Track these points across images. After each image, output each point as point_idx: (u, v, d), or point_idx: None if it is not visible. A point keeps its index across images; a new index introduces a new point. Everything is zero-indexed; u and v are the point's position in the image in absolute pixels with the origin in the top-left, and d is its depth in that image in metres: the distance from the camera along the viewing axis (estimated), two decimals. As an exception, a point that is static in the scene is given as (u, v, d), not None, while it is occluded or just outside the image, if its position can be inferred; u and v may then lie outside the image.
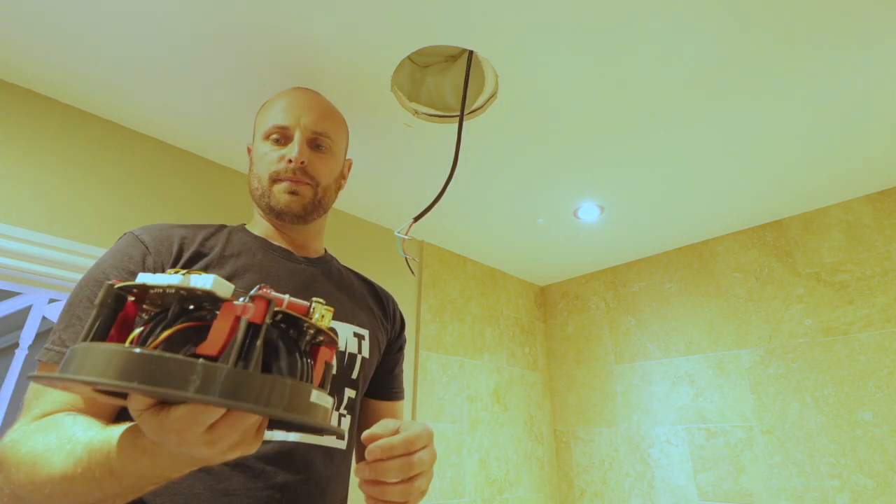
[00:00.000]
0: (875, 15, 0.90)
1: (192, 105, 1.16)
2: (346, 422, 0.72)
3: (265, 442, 0.60)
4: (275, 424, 0.40)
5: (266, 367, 0.33)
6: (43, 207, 1.08)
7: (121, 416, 0.57)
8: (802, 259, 1.63)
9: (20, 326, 3.90)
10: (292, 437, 0.62)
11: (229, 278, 0.67)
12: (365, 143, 1.29)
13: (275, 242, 0.77)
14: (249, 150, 0.82)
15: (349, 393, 0.73)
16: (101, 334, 0.33)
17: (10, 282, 1.06)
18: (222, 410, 0.32)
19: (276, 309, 0.33)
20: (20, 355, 2.89)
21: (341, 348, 0.73)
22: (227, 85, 1.09)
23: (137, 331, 0.34)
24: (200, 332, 0.32)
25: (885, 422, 1.35)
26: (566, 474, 2.05)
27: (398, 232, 0.97)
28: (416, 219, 0.98)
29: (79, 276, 1.08)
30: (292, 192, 0.74)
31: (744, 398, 1.63)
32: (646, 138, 1.26)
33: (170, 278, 0.32)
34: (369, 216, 1.73)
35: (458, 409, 1.78)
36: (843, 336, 1.48)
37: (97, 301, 0.33)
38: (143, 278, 0.33)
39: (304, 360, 0.36)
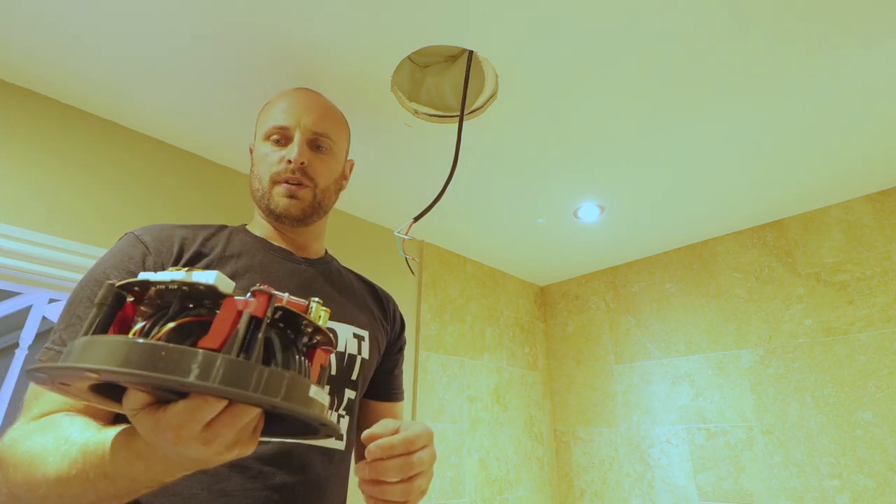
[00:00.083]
0: (875, 15, 0.90)
1: (192, 105, 1.16)
2: (345, 422, 0.72)
3: (264, 442, 0.60)
4: (271, 431, 0.40)
5: (265, 364, 0.33)
6: (43, 207, 1.08)
7: (119, 417, 0.56)
8: (802, 259, 1.63)
9: (20, 326, 3.91)
10: None
11: (230, 278, 0.67)
12: (365, 144, 1.29)
13: (275, 243, 0.77)
14: (251, 151, 0.82)
15: (349, 394, 0.73)
16: (100, 332, 0.33)
17: (10, 282, 1.06)
18: (220, 406, 0.32)
19: (277, 305, 0.34)
20: (20, 355, 2.89)
21: (341, 349, 0.73)
22: (227, 85, 1.09)
23: (139, 325, 0.34)
24: (202, 328, 0.32)
25: (885, 422, 1.35)
26: (566, 474, 2.05)
27: (398, 232, 0.97)
28: (416, 219, 0.98)
29: (79, 276, 1.08)
30: (291, 196, 0.74)
31: (744, 398, 1.63)
32: (646, 138, 1.26)
33: (172, 274, 0.32)
34: (369, 216, 1.73)
35: (458, 409, 1.78)
36: (843, 336, 1.48)
37: (97, 300, 0.33)
38: (146, 276, 0.33)
39: (302, 359, 0.36)
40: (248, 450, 0.36)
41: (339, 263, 0.88)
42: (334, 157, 0.81)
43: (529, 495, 1.92)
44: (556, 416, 2.18)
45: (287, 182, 0.75)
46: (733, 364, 1.69)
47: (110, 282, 0.34)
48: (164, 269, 0.64)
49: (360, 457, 0.80)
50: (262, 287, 0.33)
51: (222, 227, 0.76)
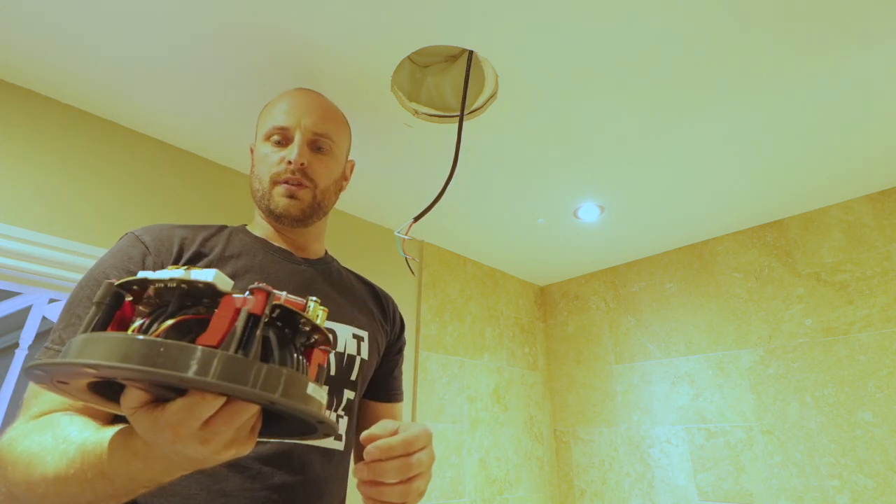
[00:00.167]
0: (875, 15, 0.90)
1: (192, 105, 1.16)
2: (344, 423, 0.72)
3: (263, 442, 0.60)
4: (269, 431, 0.40)
5: (263, 361, 0.33)
6: (43, 207, 1.08)
7: (117, 418, 0.56)
8: (802, 259, 1.63)
9: (20, 326, 3.91)
10: None
11: (229, 278, 0.67)
12: (365, 144, 1.29)
13: (275, 244, 0.77)
14: (252, 151, 0.82)
15: (348, 394, 0.73)
16: (99, 331, 0.33)
17: (10, 282, 1.06)
18: (218, 403, 0.32)
19: (275, 303, 0.34)
20: (20, 355, 2.89)
21: (340, 349, 0.73)
22: (227, 85, 1.09)
23: (137, 323, 0.34)
24: (200, 325, 0.33)
25: (885, 422, 1.35)
26: (566, 474, 2.05)
27: (398, 232, 0.97)
28: (416, 219, 0.98)
29: (79, 276, 1.08)
30: (291, 196, 0.74)
31: (744, 398, 1.63)
32: (646, 138, 1.26)
33: (171, 272, 0.32)
34: (369, 216, 1.73)
35: (458, 409, 1.78)
36: (843, 336, 1.48)
37: (95, 299, 0.33)
38: (144, 274, 0.33)
39: (300, 357, 0.36)
40: (245, 449, 0.36)
41: (339, 264, 0.88)
42: (334, 158, 0.81)
43: (529, 495, 1.92)
44: (556, 416, 2.18)
45: (287, 182, 0.75)
46: (733, 364, 1.69)
47: (109, 281, 0.34)
48: (163, 269, 0.64)
49: (359, 457, 0.80)
50: (260, 285, 0.33)
51: (222, 228, 0.76)
